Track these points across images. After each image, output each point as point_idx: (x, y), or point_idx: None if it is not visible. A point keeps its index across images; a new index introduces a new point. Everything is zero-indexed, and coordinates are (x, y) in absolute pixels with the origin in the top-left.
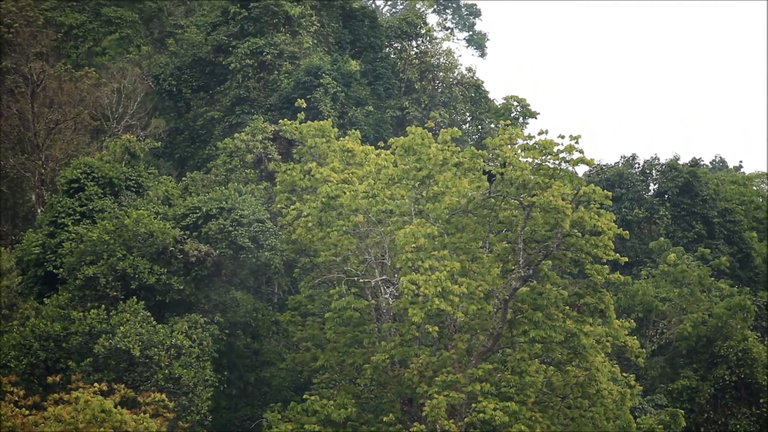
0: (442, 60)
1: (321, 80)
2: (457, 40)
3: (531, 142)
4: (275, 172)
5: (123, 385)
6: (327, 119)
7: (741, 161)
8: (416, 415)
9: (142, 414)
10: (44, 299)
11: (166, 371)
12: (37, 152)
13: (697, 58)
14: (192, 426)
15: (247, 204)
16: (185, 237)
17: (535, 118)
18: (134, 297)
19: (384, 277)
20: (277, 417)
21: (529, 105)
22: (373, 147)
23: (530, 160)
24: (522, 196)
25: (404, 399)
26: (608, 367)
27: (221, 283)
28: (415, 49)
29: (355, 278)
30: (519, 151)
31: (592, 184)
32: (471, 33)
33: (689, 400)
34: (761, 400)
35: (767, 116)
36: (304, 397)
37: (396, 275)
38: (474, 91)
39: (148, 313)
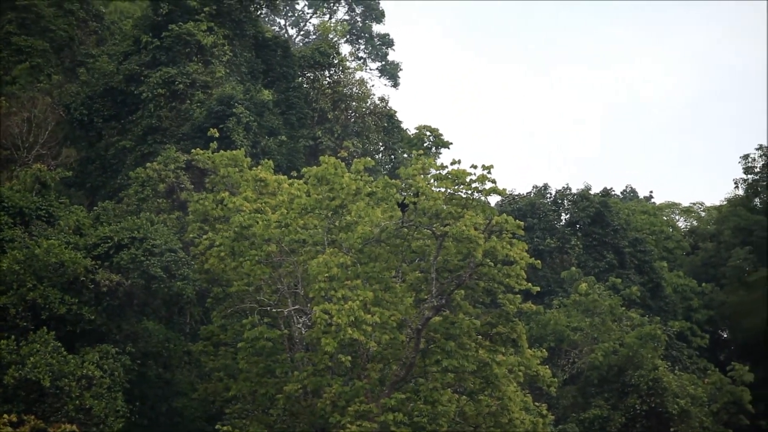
0: (354, 90)
1: (234, 110)
2: (370, 70)
3: (444, 172)
4: (188, 202)
5: (33, 416)
6: (240, 149)
7: (651, 191)
8: None
9: None
10: None
11: (77, 402)
12: None
13: (606, 89)
14: None
15: (160, 233)
16: (97, 267)
17: (448, 148)
18: (45, 327)
19: (297, 307)
20: None
21: (441, 135)
22: (286, 176)
23: (443, 189)
24: (435, 225)
25: (317, 429)
26: (520, 396)
27: (133, 313)
28: (327, 78)
29: (268, 308)
30: (432, 180)
31: (505, 214)
32: (384, 63)
33: (601, 429)
34: (671, 429)
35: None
36: (217, 427)
37: (309, 305)
38: (387, 120)
39: (59, 344)
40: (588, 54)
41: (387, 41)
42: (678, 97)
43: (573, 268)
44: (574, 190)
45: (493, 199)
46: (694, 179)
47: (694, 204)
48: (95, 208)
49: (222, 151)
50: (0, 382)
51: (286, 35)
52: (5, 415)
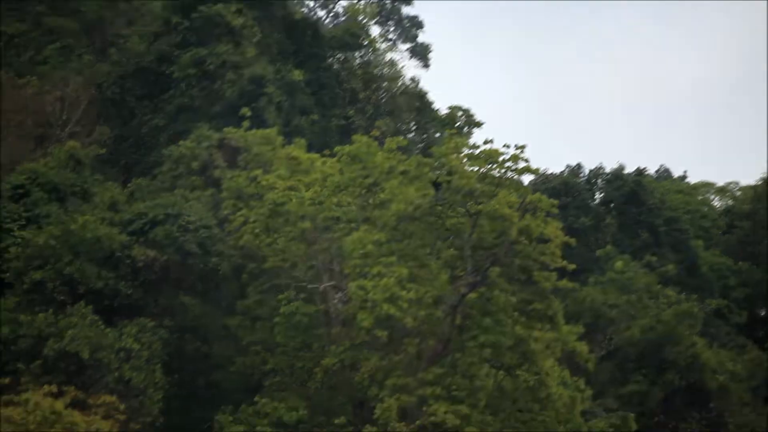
0: (385, 70)
1: (265, 89)
2: (400, 51)
3: (476, 152)
4: (221, 179)
5: (73, 387)
6: (272, 127)
7: (685, 171)
8: (367, 417)
9: (93, 416)
10: None
11: (116, 374)
12: None
13: (641, 67)
14: (143, 428)
15: (194, 210)
16: (132, 242)
17: (480, 128)
18: (82, 301)
19: (332, 283)
20: (228, 419)
21: (473, 115)
22: (318, 155)
23: (476, 168)
24: (469, 204)
25: (355, 402)
26: (558, 371)
27: (169, 287)
28: (358, 59)
29: (304, 283)
30: (465, 159)
31: (538, 193)
32: (414, 44)
33: (639, 403)
34: (711, 404)
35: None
36: (255, 399)
37: (344, 281)
38: (418, 100)
39: (96, 317)
40: (621, 35)
41: (416, 23)
42: (711, 78)
43: (608, 247)
44: (607, 170)
45: (527, 179)
46: (729, 159)
47: (728, 183)
48: (129, 185)
49: (254, 130)
50: (40, 353)
51: (315, 16)
52: (46, 386)
